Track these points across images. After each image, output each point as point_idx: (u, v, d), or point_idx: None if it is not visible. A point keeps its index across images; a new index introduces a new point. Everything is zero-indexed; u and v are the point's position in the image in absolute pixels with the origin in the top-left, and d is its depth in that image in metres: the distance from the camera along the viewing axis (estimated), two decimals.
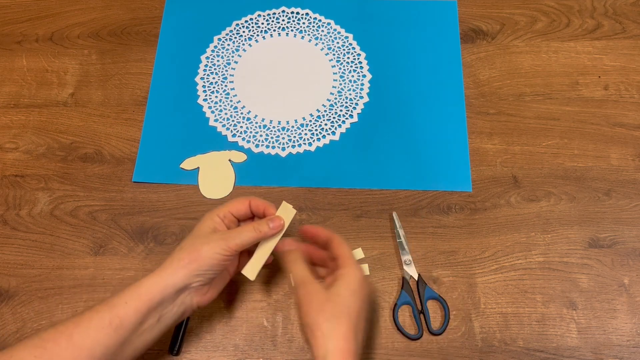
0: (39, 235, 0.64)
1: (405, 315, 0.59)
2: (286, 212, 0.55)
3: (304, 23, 0.78)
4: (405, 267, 0.61)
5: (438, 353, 0.57)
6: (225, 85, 0.73)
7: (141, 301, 0.49)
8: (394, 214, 0.64)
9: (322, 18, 0.78)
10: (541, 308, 0.59)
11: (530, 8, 0.78)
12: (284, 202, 0.56)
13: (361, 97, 0.72)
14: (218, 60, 0.75)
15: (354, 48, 0.76)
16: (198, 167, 0.68)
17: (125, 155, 0.69)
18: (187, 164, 0.68)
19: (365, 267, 0.61)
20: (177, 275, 0.50)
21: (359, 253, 0.61)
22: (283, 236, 0.55)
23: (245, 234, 0.52)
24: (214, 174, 0.67)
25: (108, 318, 0.48)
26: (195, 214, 0.65)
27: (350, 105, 0.72)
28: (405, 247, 0.62)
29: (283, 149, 0.69)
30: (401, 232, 0.63)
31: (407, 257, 0.62)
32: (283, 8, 0.79)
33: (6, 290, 0.61)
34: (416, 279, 0.60)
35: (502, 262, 0.62)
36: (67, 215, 0.65)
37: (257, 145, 0.69)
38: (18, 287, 0.61)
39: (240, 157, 0.68)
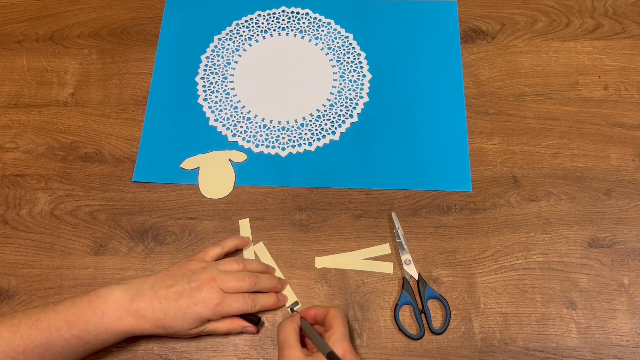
0: (39, 235, 0.64)
1: (405, 315, 0.59)
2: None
3: (304, 23, 0.78)
4: (405, 267, 0.61)
5: (438, 353, 0.57)
6: (225, 85, 0.73)
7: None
8: (393, 214, 0.64)
9: (322, 18, 0.78)
10: (541, 308, 0.59)
11: (530, 8, 0.78)
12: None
13: (361, 97, 0.72)
14: (218, 60, 0.75)
15: (354, 48, 0.76)
16: (198, 167, 0.68)
17: (125, 155, 0.69)
18: (187, 164, 0.68)
19: (389, 266, 0.61)
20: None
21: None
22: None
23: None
24: (214, 174, 0.67)
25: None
26: (195, 213, 0.65)
27: (350, 105, 0.72)
28: (405, 247, 0.62)
29: (283, 149, 0.69)
30: (400, 232, 0.63)
31: (406, 257, 0.62)
32: (283, 8, 0.79)
33: (6, 290, 0.61)
34: (416, 278, 0.61)
35: (502, 262, 0.62)
36: (67, 215, 0.65)
37: (257, 145, 0.69)
38: (18, 287, 0.61)
39: (241, 157, 0.68)
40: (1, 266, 0.62)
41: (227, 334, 0.57)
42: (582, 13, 0.78)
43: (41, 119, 0.71)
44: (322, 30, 0.77)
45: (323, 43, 0.76)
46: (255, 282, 0.57)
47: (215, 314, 0.54)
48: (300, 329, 0.54)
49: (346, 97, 0.72)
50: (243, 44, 0.76)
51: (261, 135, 0.70)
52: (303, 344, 0.54)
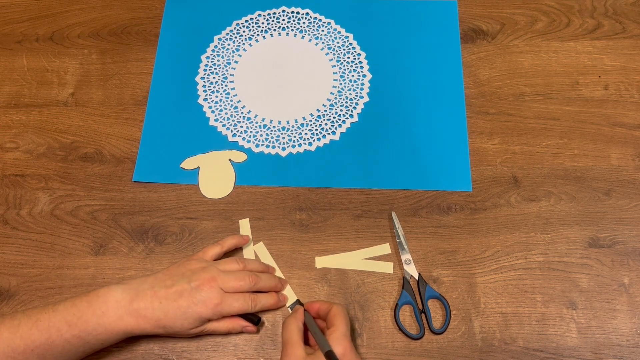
0: (39, 234, 0.64)
1: (405, 315, 0.59)
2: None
3: (304, 23, 0.78)
4: (405, 267, 0.61)
5: (438, 353, 0.57)
6: (226, 85, 0.73)
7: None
8: (393, 214, 0.64)
9: (322, 18, 0.78)
10: (541, 308, 0.59)
11: (530, 8, 0.78)
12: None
13: (361, 97, 0.72)
14: (218, 60, 0.75)
15: (354, 48, 0.76)
16: (198, 167, 0.68)
17: (126, 155, 0.69)
18: (187, 164, 0.68)
19: (390, 266, 0.61)
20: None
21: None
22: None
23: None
24: (214, 174, 0.67)
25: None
26: (195, 213, 0.65)
27: (350, 105, 0.72)
28: (405, 246, 0.62)
29: (283, 148, 0.69)
30: (400, 232, 0.63)
31: (407, 257, 0.62)
32: (283, 8, 0.79)
33: (6, 290, 0.61)
34: (416, 278, 0.61)
35: (502, 262, 0.62)
36: (68, 215, 0.65)
37: (257, 145, 0.69)
38: (18, 287, 0.61)
39: (241, 156, 0.68)
40: (1, 266, 0.62)
41: (227, 333, 0.57)
42: (582, 13, 0.78)
43: (41, 119, 0.71)
44: (322, 30, 0.77)
45: (323, 43, 0.76)
46: (256, 281, 0.57)
47: (215, 314, 0.54)
48: (304, 323, 0.54)
49: (346, 97, 0.72)
50: (243, 44, 0.76)
51: (261, 135, 0.70)
52: (307, 338, 0.54)
